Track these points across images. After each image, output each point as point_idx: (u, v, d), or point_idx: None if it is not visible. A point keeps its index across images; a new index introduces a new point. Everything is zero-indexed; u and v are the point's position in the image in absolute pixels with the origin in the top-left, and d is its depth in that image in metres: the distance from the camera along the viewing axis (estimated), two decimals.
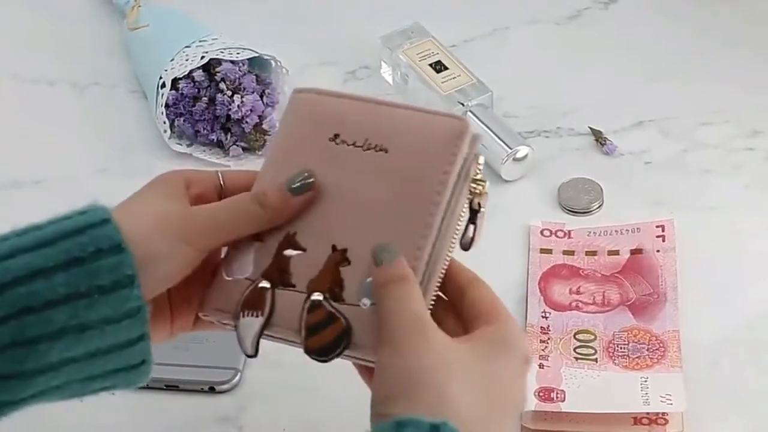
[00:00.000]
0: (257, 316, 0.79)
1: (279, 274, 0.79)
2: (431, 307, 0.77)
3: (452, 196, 0.78)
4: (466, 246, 0.81)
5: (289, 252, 0.80)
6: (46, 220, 0.75)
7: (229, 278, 0.80)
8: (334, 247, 0.79)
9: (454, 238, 0.78)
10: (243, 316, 0.79)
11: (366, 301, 0.77)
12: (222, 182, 0.83)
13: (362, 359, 0.77)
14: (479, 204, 0.80)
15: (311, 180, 0.80)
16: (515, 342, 0.76)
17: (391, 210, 0.78)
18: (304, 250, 0.79)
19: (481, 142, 0.80)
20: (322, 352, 0.77)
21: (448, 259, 0.78)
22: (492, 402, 0.73)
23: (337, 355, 0.77)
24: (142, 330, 0.75)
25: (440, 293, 0.78)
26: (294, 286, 0.79)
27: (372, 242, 0.77)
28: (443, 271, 0.78)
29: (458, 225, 0.79)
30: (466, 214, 0.79)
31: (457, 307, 0.78)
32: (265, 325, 0.79)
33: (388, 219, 0.78)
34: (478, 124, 1.13)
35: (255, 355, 0.79)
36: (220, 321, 0.81)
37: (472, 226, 0.80)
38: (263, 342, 0.80)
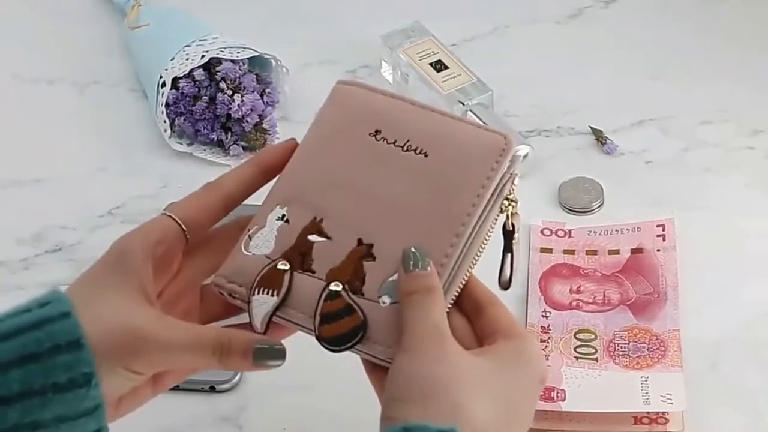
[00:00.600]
0: (272, 295, 0.78)
1: (300, 257, 0.79)
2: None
3: (485, 210, 0.78)
4: (506, 284, 0.82)
5: (313, 237, 0.79)
6: (5, 312, 0.72)
7: (248, 253, 0.80)
8: (360, 241, 0.78)
9: (479, 253, 0.78)
10: (257, 293, 0.79)
11: (386, 299, 0.77)
12: (180, 224, 0.80)
13: (374, 356, 0.77)
14: (513, 225, 0.80)
15: (282, 357, 0.78)
16: (533, 359, 0.76)
17: (423, 214, 0.78)
18: (329, 238, 0.79)
19: (520, 161, 0.80)
20: (334, 342, 0.77)
21: (469, 273, 0.78)
22: (504, 415, 0.73)
23: (350, 348, 0.76)
24: (98, 425, 0.73)
25: (457, 307, 0.78)
26: (314, 272, 0.78)
27: (400, 243, 0.77)
28: (462, 284, 0.78)
29: (485, 240, 0.79)
30: (493, 230, 0.79)
31: (472, 322, 0.78)
32: (279, 306, 0.78)
33: (418, 223, 0.78)
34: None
35: (264, 333, 0.78)
36: (231, 294, 0.79)
37: (508, 257, 0.81)
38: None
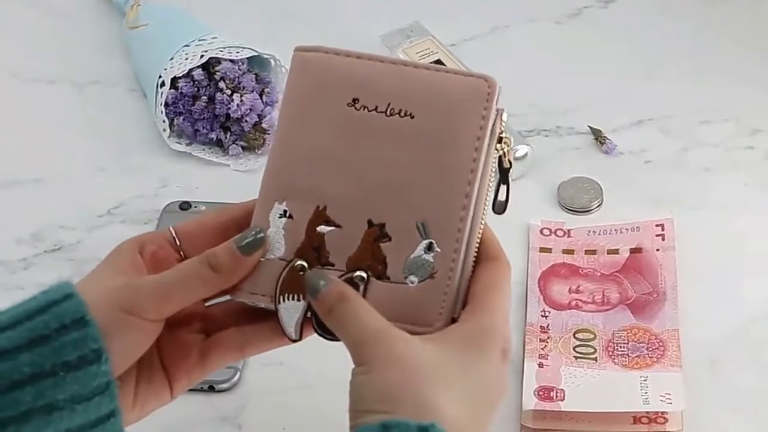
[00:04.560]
0: (299, 300, 0.76)
1: (315, 252, 0.76)
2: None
3: (484, 158, 0.75)
4: (501, 209, 0.79)
5: (322, 228, 0.76)
6: (9, 306, 0.73)
7: (261, 259, 0.77)
8: (370, 222, 0.75)
9: (487, 200, 0.76)
10: (284, 299, 0.76)
11: (413, 279, 0.74)
12: (175, 236, 0.80)
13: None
14: (510, 162, 0.78)
15: (261, 236, 0.76)
16: (491, 337, 0.73)
17: (425, 179, 0.75)
18: (339, 226, 0.76)
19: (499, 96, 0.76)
20: None
21: (483, 224, 0.76)
22: (473, 400, 0.71)
23: None
24: (112, 406, 0.73)
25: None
26: (333, 264, 0.76)
27: (411, 216, 0.74)
28: (479, 237, 0.75)
29: (489, 187, 0.76)
30: (495, 175, 0.77)
31: None
32: (309, 308, 0.75)
33: (423, 189, 0.75)
34: None
35: (299, 339, 0.77)
36: (255, 303, 0.77)
37: (504, 187, 0.79)
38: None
